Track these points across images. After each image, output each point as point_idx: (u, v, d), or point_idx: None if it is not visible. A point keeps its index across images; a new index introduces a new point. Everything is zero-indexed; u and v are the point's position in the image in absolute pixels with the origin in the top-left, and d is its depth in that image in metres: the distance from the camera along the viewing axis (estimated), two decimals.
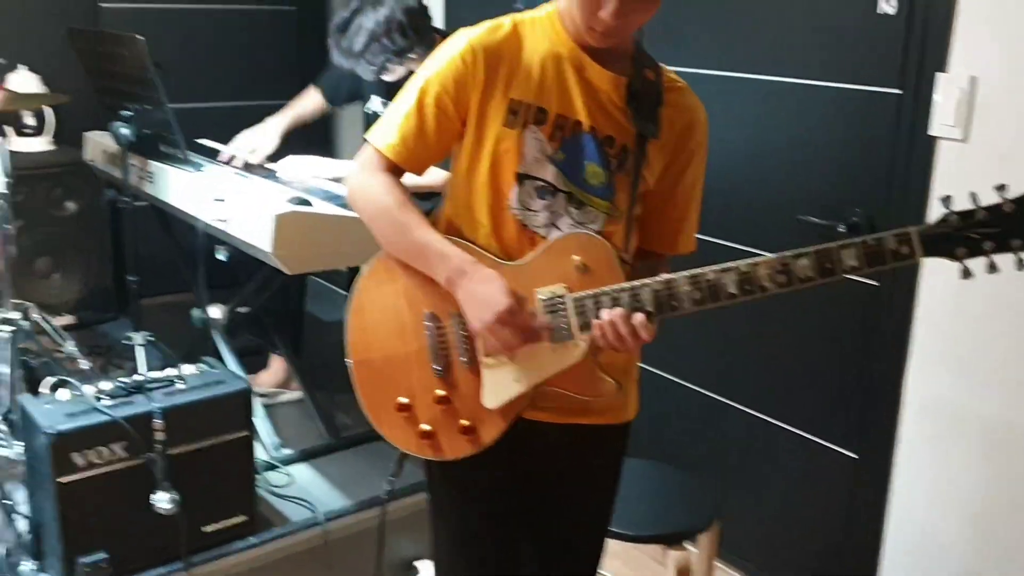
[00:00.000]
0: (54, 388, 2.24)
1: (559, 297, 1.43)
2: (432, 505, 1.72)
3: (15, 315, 2.58)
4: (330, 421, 2.90)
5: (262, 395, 3.04)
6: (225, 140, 3.33)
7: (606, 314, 1.38)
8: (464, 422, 1.51)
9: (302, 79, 4.35)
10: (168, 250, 3.41)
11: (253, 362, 3.17)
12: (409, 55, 2.53)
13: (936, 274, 2.21)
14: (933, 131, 2.16)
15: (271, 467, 2.72)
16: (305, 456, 2.80)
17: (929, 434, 2.29)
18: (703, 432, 2.85)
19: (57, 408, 2.14)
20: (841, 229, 2.34)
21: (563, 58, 1.47)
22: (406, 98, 1.51)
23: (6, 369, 2.48)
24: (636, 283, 1.39)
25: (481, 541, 1.67)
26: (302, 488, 2.65)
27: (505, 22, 1.50)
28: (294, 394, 3.13)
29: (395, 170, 1.54)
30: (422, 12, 2.57)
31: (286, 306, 3.17)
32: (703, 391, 2.82)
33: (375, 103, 2.86)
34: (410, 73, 2.50)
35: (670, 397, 2.90)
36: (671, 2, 2.62)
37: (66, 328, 3.74)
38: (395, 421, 1.55)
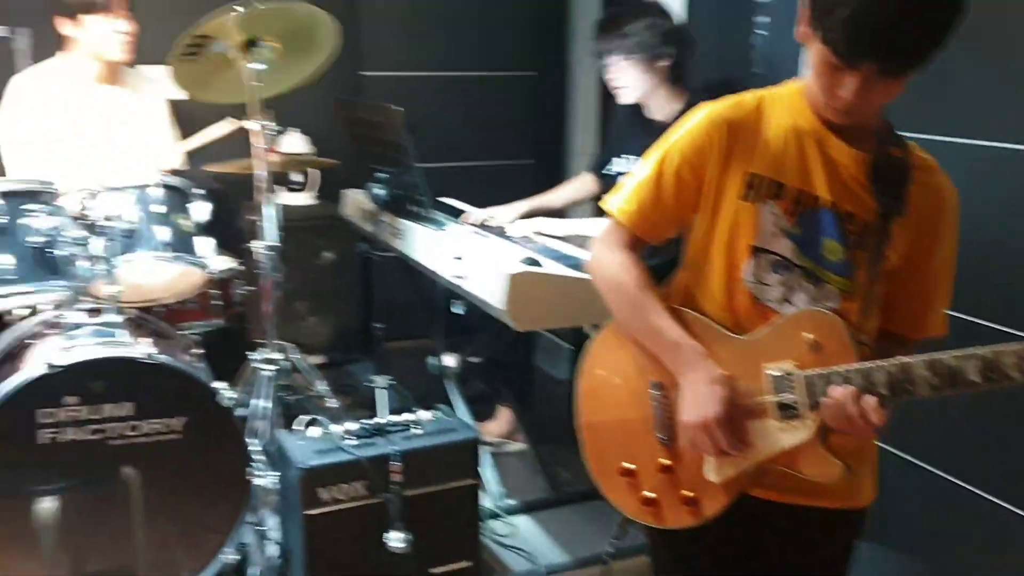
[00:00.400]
0: (306, 425, 2.45)
1: (789, 375, 1.42)
2: (653, 570, 1.73)
3: (277, 355, 2.84)
4: (553, 475, 2.98)
5: (488, 444, 3.17)
6: (468, 197, 3.55)
7: (837, 392, 1.36)
8: (687, 493, 1.52)
9: (537, 142, 4.58)
10: (410, 300, 3.66)
11: (481, 410, 3.32)
12: (662, 58, 2.66)
13: None
14: None
15: (495, 516, 2.82)
16: (527, 508, 2.89)
17: None
18: (931, 514, 2.67)
19: (308, 444, 2.35)
20: None
21: (805, 133, 1.47)
22: (646, 167, 1.57)
23: (267, 404, 2.74)
24: (870, 364, 1.35)
25: None
26: (524, 539, 2.73)
27: (748, 97, 1.53)
28: (518, 445, 3.24)
29: (634, 243, 1.59)
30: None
31: (516, 359, 3.29)
32: (931, 469, 2.65)
33: (618, 164, 2.94)
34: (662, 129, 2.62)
35: (899, 475, 2.74)
36: (938, 70, 2.56)
37: (317, 367, 4.09)
38: (619, 485, 1.59)
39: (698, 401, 1.45)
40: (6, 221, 2.30)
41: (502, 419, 3.31)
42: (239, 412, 2.84)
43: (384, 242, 3.25)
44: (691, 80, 2.82)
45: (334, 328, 4.14)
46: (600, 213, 1.77)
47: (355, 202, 3.65)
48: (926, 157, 1.51)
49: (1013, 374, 1.25)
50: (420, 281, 3.43)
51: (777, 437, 1.43)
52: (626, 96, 2.76)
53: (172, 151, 3.24)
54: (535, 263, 2.57)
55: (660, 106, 2.78)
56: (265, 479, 2.43)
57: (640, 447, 1.57)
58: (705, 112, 1.53)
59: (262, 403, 2.75)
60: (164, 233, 2.49)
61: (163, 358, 2.25)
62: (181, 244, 2.54)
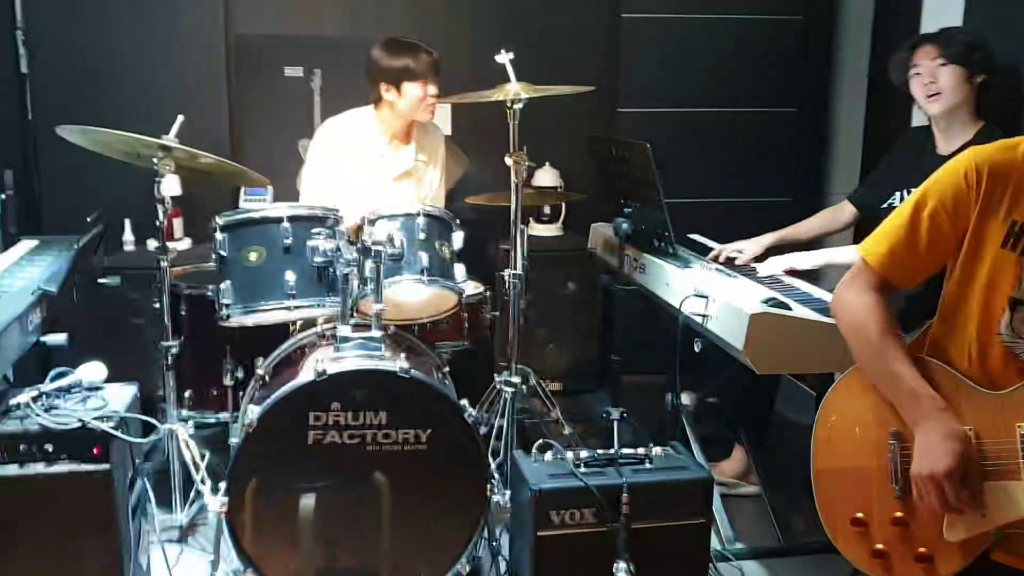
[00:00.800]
0: (541, 449, 2.55)
1: None
2: None
3: (516, 379, 2.98)
4: (785, 524, 2.90)
5: (721, 484, 3.14)
6: (724, 234, 3.55)
7: None
8: (921, 550, 1.48)
9: (795, 180, 4.47)
10: (649, 335, 3.69)
11: (714, 450, 3.29)
12: (979, 74, 2.72)
13: None
14: None
15: (724, 558, 2.79)
16: (756, 554, 2.84)
17: None
18: None
19: (543, 467, 2.45)
20: None
21: None
22: (902, 211, 1.54)
23: (506, 424, 2.88)
24: None
25: None
26: None
27: (1016, 141, 1.47)
28: (752, 488, 3.18)
29: (882, 286, 1.57)
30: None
31: (755, 402, 3.24)
32: None
33: (897, 198, 2.87)
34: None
35: None
36: None
37: (555, 393, 4.23)
38: (850, 535, 1.57)
39: (930, 454, 1.42)
40: (292, 242, 2.59)
41: (736, 460, 3.27)
42: (481, 429, 3.03)
43: (627, 276, 3.31)
44: (986, 114, 2.82)
45: (571, 357, 4.25)
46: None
47: (601, 235, 3.75)
48: None
49: None
50: (660, 316, 3.46)
51: (1021, 501, 1.36)
52: (937, 103, 2.77)
53: (440, 196, 3.51)
54: (780, 305, 2.54)
55: (953, 131, 2.78)
56: (501, 497, 2.55)
57: (875, 498, 1.54)
58: (969, 156, 1.48)
59: (501, 423, 2.89)
60: (425, 258, 2.68)
61: (416, 373, 2.43)
62: (439, 269, 2.74)
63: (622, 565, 2.34)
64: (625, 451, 2.52)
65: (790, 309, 2.53)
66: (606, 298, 4.00)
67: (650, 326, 3.72)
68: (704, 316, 2.69)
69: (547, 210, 4.23)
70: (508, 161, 2.84)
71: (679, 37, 4.27)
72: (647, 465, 2.47)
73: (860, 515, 1.56)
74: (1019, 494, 1.37)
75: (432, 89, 3.26)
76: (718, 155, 4.39)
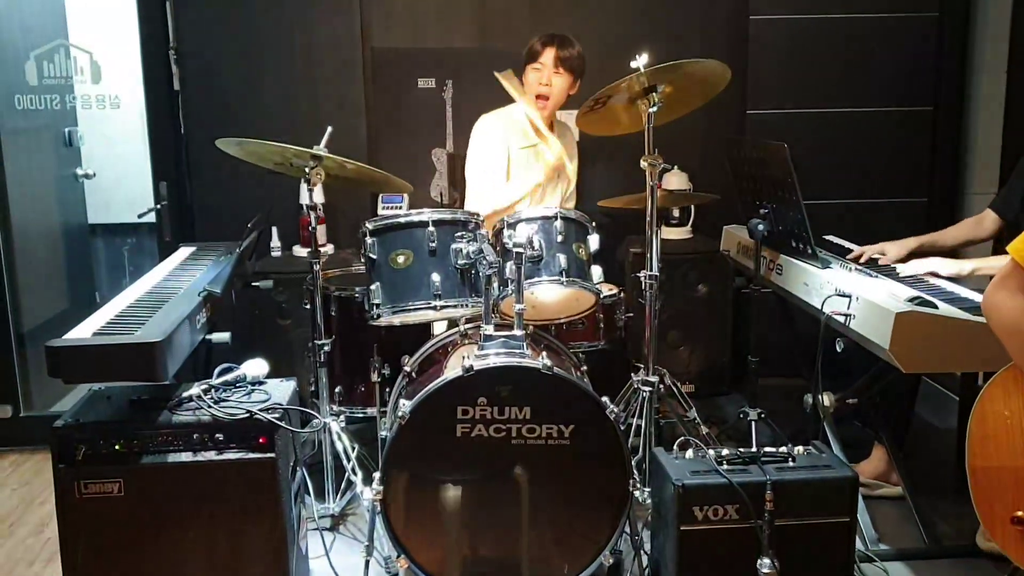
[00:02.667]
0: (682, 447, 2.58)
1: None
2: None
3: (653, 379, 3.01)
4: (929, 526, 2.84)
5: (863, 484, 3.09)
6: (858, 235, 3.50)
7: None
8: None
9: (931, 180, 4.36)
10: (785, 337, 3.66)
11: (854, 453, 3.24)
12: None
13: None
14: None
15: (868, 559, 2.76)
16: (901, 556, 2.79)
17: None
18: None
19: (684, 464, 2.48)
20: None
21: None
22: None
23: (640, 422, 2.92)
24: None
25: None
26: None
27: None
28: (893, 489, 3.13)
29: None
30: None
31: (896, 403, 3.19)
32: None
33: None
34: None
35: None
36: None
37: (689, 395, 4.23)
38: (1009, 533, 1.59)
39: None
40: (436, 245, 2.70)
41: (877, 460, 3.21)
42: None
43: (762, 277, 3.30)
44: None
45: (703, 359, 4.23)
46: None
47: (734, 238, 3.75)
48: None
49: None
50: (797, 318, 3.44)
51: None
52: None
53: (573, 193, 3.60)
54: (927, 303, 2.50)
55: None
56: (642, 492, 2.59)
57: None
58: None
59: (639, 421, 2.93)
60: (563, 260, 2.75)
61: (559, 370, 2.50)
62: (577, 270, 2.80)
63: (766, 561, 2.35)
64: (768, 450, 2.53)
65: (936, 308, 2.49)
66: (740, 300, 3.98)
67: (786, 328, 3.70)
68: (847, 315, 2.67)
69: (676, 213, 4.24)
70: (643, 164, 2.88)
71: (809, 37, 4.22)
72: (790, 463, 2.47)
73: (1021, 514, 1.57)
74: None
75: (547, 77, 3.41)
76: (851, 155, 4.31)
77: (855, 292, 2.67)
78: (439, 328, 3.14)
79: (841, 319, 2.69)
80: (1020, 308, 1.55)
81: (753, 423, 3.13)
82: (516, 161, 3.50)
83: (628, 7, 4.21)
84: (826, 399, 3.07)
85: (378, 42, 4.15)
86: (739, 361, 3.87)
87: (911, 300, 2.51)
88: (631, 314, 3.36)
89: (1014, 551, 1.58)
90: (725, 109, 4.22)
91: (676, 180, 4.18)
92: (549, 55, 3.43)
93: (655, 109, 2.85)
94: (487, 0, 4.15)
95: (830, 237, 3.66)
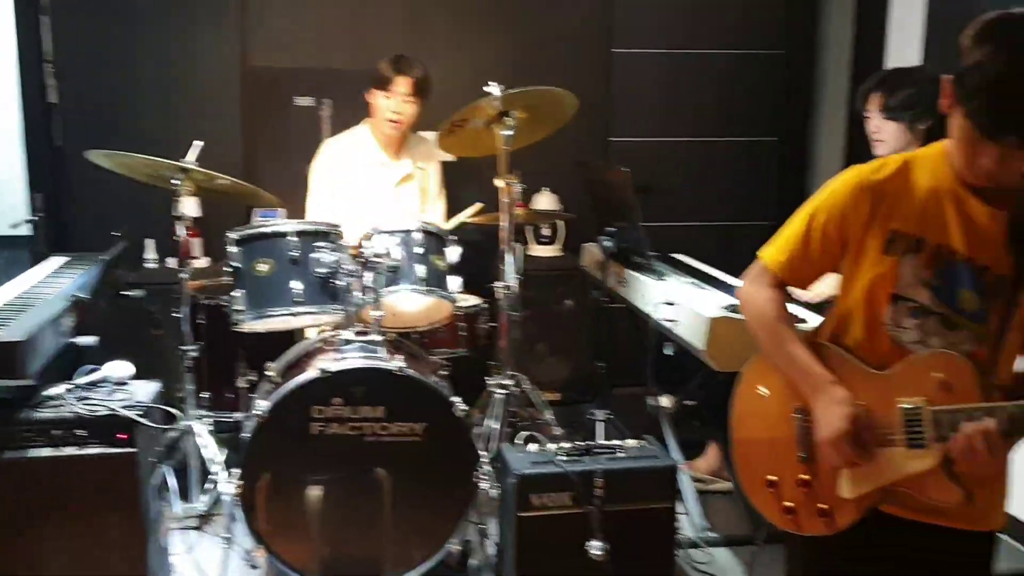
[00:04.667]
0: (526, 441, 2.80)
1: (918, 409, 1.60)
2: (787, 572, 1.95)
3: (509, 382, 3.23)
4: (753, 512, 3.10)
5: (698, 480, 3.37)
6: (702, 254, 3.81)
7: (966, 428, 1.52)
8: (822, 505, 1.73)
9: (779, 204, 4.73)
10: (636, 347, 3.94)
11: (695, 451, 3.53)
12: (922, 121, 2.78)
13: None
14: None
15: (695, 545, 3.02)
16: (727, 542, 3.06)
17: None
18: None
19: (526, 457, 2.69)
20: None
21: (944, 193, 1.63)
22: (797, 221, 1.79)
23: (496, 422, 3.14)
24: (995, 404, 1.52)
25: None
26: (720, 569, 2.91)
27: (891, 161, 1.70)
28: (726, 484, 3.41)
29: (780, 285, 1.83)
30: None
31: (726, 402, 3.46)
32: None
33: None
34: None
35: None
36: None
37: (551, 403, 4.45)
38: (764, 495, 1.83)
39: (828, 420, 1.67)
40: (298, 254, 2.85)
41: (711, 457, 3.49)
42: (475, 430, 3.27)
43: (612, 290, 3.57)
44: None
45: (570, 369, 4.49)
46: None
47: (591, 254, 4.02)
48: None
49: None
50: (643, 327, 3.71)
51: (904, 463, 1.62)
52: (880, 149, 2.93)
53: (437, 211, 3.79)
54: (739, 309, 2.78)
55: None
56: (488, 484, 2.79)
57: (783, 463, 1.79)
58: (852, 175, 1.72)
59: (492, 421, 3.14)
60: (421, 270, 2.95)
61: (411, 372, 2.69)
62: (435, 280, 3.00)
63: (596, 543, 2.57)
64: (601, 443, 2.77)
65: (805, 322, 2.76)
66: (597, 312, 4.25)
67: (637, 338, 3.97)
68: (672, 321, 2.94)
69: (547, 232, 4.49)
70: (498, 182, 3.11)
71: (667, 71, 4.56)
72: (620, 454, 2.71)
73: (771, 478, 1.81)
74: (899, 458, 1.62)
75: (400, 105, 3.54)
76: (706, 181, 4.67)
77: (680, 300, 2.95)
78: (313, 335, 3.30)
79: (669, 325, 2.96)
80: (767, 299, 1.81)
81: (600, 423, 3.39)
82: (365, 178, 3.64)
83: (499, 36, 4.46)
84: (665, 401, 3.33)
85: (257, 61, 4.29)
86: (604, 370, 4.13)
87: (726, 307, 2.79)
88: (494, 323, 3.57)
89: (768, 510, 1.83)
90: (591, 136, 4.51)
91: (545, 200, 4.43)
92: (404, 84, 3.54)
93: (510, 132, 3.09)
94: (364, 21, 4.33)
95: (680, 257, 3.96)
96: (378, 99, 3.60)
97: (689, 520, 3.12)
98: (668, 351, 3.04)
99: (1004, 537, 3.12)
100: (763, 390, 1.86)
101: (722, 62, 4.61)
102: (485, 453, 3.02)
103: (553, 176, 4.43)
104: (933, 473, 1.59)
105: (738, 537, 3.08)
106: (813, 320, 2.68)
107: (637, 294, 3.38)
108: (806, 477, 1.75)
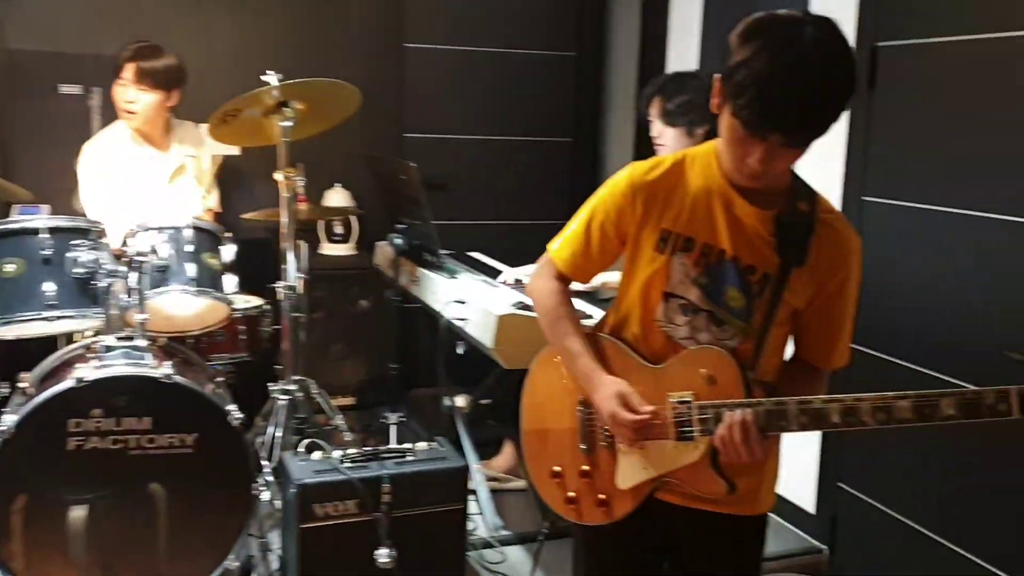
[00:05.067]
0: (309, 449, 2.67)
1: (686, 402, 1.63)
2: (574, 560, 1.96)
3: (292, 387, 3.08)
4: (546, 509, 3.11)
5: (493, 478, 3.35)
6: (498, 253, 3.78)
7: (725, 422, 1.56)
8: (601, 496, 1.75)
9: (572, 204, 4.79)
10: (432, 346, 3.87)
11: (493, 450, 3.51)
12: (700, 126, 2.81)
13: None
14: None
15: (488, 545, 2.98)
16: (521, 539, 3.04)
17: None
18: (909, 569, 2.74)
19: (309, 465, 2.56)
20: None
21: (714, 193, 1.66)
22: (579, 218, 1.80)
23: (279, 430, 2.98)
24: (753, 400, 1.56)
25: None
26: (512, 567, 2.89)
27: (668, 159, 1.72)
28: (521, 482, 3.40)
29: (563, 278, 1.84)
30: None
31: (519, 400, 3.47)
32: (914, 525, 2.73)
33: None
34: None
35: (879, 528, 2.83)
36: (891, 138, 2.74)
37: (349, 408, 4.32)
38: (549, 484, 1.84)
39: (601, 404, 1.69)
40: (51, 253, 2.59)
41: (507, 455, 3.48)
42: (260, 438, 3.11)
43: (405, 289, 3.49)
44: None
45: (367, 372, 4.36)
46: None
47: (384, 252, 3.92)
48: (831, 211, 1.68)
49: (867, 419, 1.47)
50: (436, 326, 3.66)
51: (674, 455, 1.65)
52: (663, 153, 2.97)
53: (208, 201, 3.58)
54: (528, 307, 2.77)
55: None
56: (268, 495, 2.65)
57: (566, 454, 1.80)
58: (627, 174, 1.73)
59: (275, 429, 2.99)
60: (192, 270, 2.76)
61: (179, 379, 2.50)
62: (209, 281, 2.81)
63: (383, 551, 2.48)
64: (390, 447, 2.68)
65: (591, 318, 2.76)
66: (391, 312, 4.16)
67: (432, 338, 3.91)
68: (463, 320, 2.89)
69: (339, 230, 4.35)
70: (277, 176, 2.96)
71: (460, 68, 4.52)
72: (408, 458, 2.63)
73: (556, 468, 1.82)
74: (670, 450, 1.66)
75: (131, 94, 3.32)
76: (500, 179, 4.66)
77: (470, 299, 2.91)
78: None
79: (460, 323, 2.91)
80: (550, 291, 1.82)
81: (394, 426, 3.30)
82: (135, 174, 3.40)
83: (286, 26, 4.27)
84: (461, 400, 3.29)
85: (14, 43, 3.91)
86: (402, 372, 4.04)
87: (514, 304, 2.77)
88: (278, 326, 3.40)
89: (552, 499, 1.85)
90: (385, 131, 4.41)
91: (337, 197, 4.29)
92: (130, 71, 3.30)
93: (289, 124, 2.94)
94: (137, 3, 4.04)
95: (475, 254, 3.92)
96: (116, 88, 3.37)
97: (483, 520, 3.08)
98: (461, 350, 2.99)
99: (774, 517, 3.31)
100: (550, 381, 1.85)
101: (515, 61, 4.63)
102: (267, 463, 2.87)
103: (346, 172, 4.29)
104: (700, 465, 1.62)
105: (531, 534, 3.06)
106: (599, 315, 2.71)
107: (429, 293, 3.31)
108: (587, 468, 1.77)
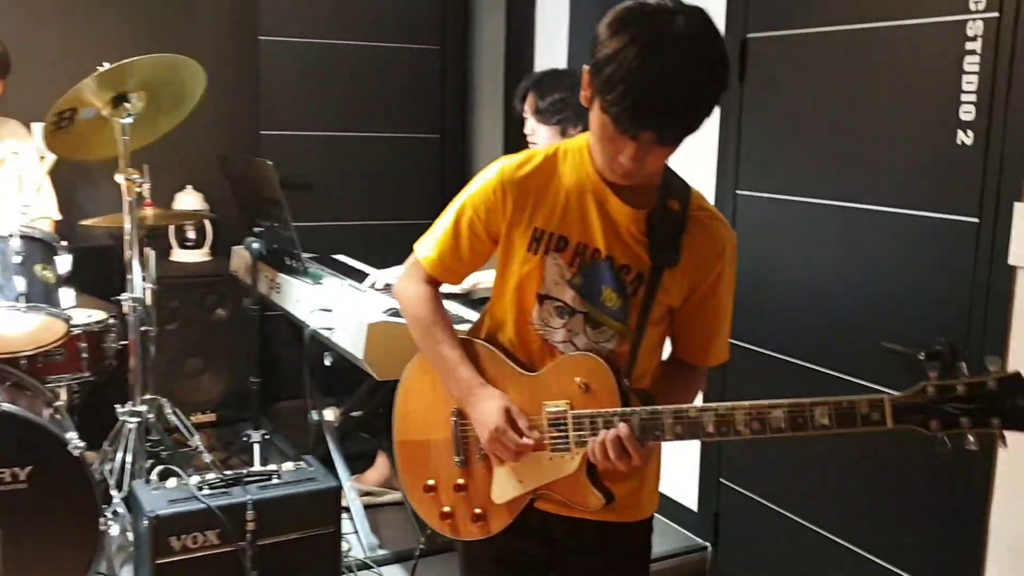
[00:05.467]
0: (163, 476, 2.44)
1: (561, 412, 1.54)
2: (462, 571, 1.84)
3: (143, 408, 2.83)
4: (423, 525, 2.97)
5: (367, 493, 3.17)
6: (364, 255, 3.59)
7: (601, 433, 1.48)
8: (477, 510, 1.64)
9: (441, 203, 4.66)
10: (296, 357, 3.66)
11: (365, 463, 3.33)
12: (574, 125, 2.72)
13: None
14: (1012, 260, 2.10)
15: (365, 566, 2.82)
16: (398, 558, 2.89)
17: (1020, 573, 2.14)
18: (792, 562, 2.74)
19: (162, 494, 2.34)
20: (921, 357, 2.27)
21: (587, 191, 1.57)
22: (447, 217, 1.68)
23: (129, 456, 2.73)
24: (627, 409, 1.48)
25: None
26: None
27: (538, 155, 1.62)
28: (395, 495, 3.24)
29: (433, 281, 1.71)
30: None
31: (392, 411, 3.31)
32: (796, 518, 2.73)
33: None
34: None
35: (761, 523, 2.82)
36: (763, 131, 2.73)
37: (208, 425, 4.05)
38: (423, 499, 1.72)
39: (483, 419, 1.57)
40: None
41: (381, 468, 3.31)
42: (108, 466, 2.84)
43: (265, 297, 3.27)
44: None
45: (226, 386, 4.10)
46: None
47: (242, 258, 3.68)
48: (705, 207, 1.62)
49: (741, 429, 1.41)
50: (301, 336, 3.45)
51: (549, 468, 1.56)
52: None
53: (44, 206, 3.27)
54: (398, 313, 2.62)
55: None
56: (117, 529, 2.40)
57: (441, 466, 1.68)
58: (497, 169, 1.62)
59: (124, 455, 2.73)
60: (22, 284, 2.48)
61: (8, 407, 2.24)
62: (41, 295, 2.54)
63: None
64: (253, 470, 2.49)
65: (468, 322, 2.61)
66: (250, 322, 3.92)
67: (296, 348, 3.69)
68: (330, 329, 2.71)
69: (192, 235, 4.07)
70: (119, 179, 2.70)
71: (319, 61, 4.29)
72: (275, 481, 2.44)
73: (431, 482, 1.70)
74: (546, 461, 1.56)
75: None
76: (365, 178, 4.46)
77: (337, 306, 2.73)
78: None
79: (327, 333, 2.73)
80: (419, 295, 1.70)
81: (256, 444, 3.08)
82: None
83: (129, 18, 3.97)
84: (329, 414, 3.10)
85: None
86: (264, 385, 3.80)
87: (385, 311, 2.61)
88: (126, 341, 3.13)
89: (427, 514, 1.73)
90: (240, 129, 4.16)
91: (189, 200, 4.02)
92: None
93: (129, 120, 2.69)
94: None
95: (340, 257, 3.74)
96: None
97: (358, 539, 2.91)
98: (328, 361, 2.80)
99: (656, 516, 3.27)
100: (423, 390, 1.72)
101: (377, 55, 4.43)
102: (116, 493, 2.62)
103: (197, 173, 4.03)
104: (576, 477, 1.54)
105: (410, 551, 2.90)
106: (473, 317, 2.59)
107: (292, 300, 3.11)
108: (462, 481, 1.66)
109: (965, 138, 2.20)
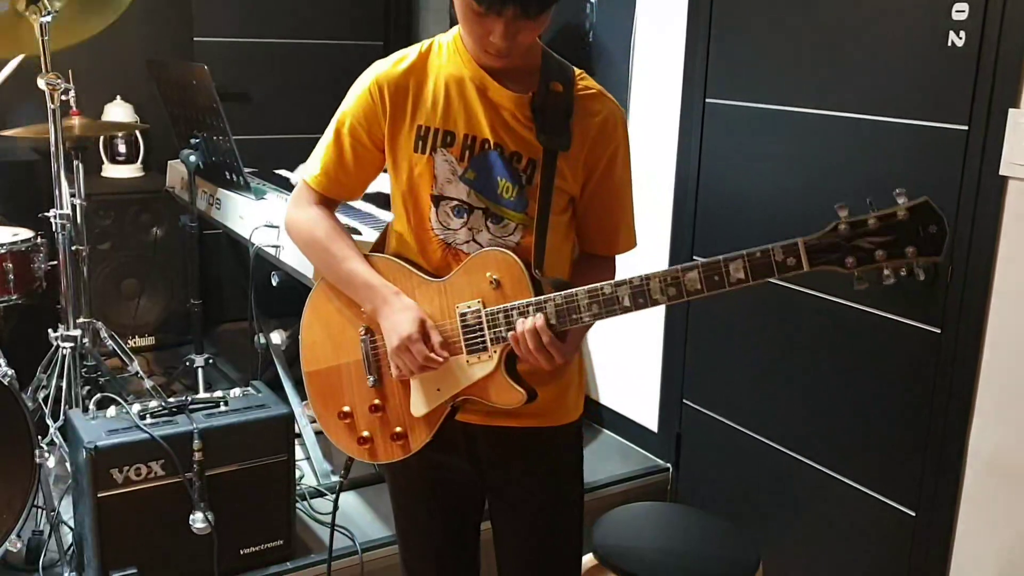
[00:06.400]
0: (101, 405, 2.30)
1: (475, 311, 1.49)
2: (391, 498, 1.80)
3: (77, 332, 2.66)
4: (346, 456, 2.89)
5: (316, 420, 3.06)
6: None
7: (518, 325, 1.43)
8: (397, 429, 1.59)
9: None
10: (239, 276, 3.50)
11: None
12: None
13: (1002, 322, 2.06)
14: (1004, 171, 2.03)
15: (319, 494, 2.72)
16: (353, 485, 2.80)
17: (993, 491, 2.12)
18: (754, 480, 2.72)
19: (101, 424, 2.20)
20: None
21: (466, 80, 1.51)
22: (327, 132, 1.60)
23: (63, 383, 2.57)
24: (542, 298, 1.44)
25: (424, 534, 1.76)
26: (346, 516, 2.65)
27: (411, 52, 1.56)
28: None
29: (325, 201, 1.63)
30: None
31: None
32: (757, 436, 2.70)
33: None
34: None
35: (722, 442, 2.79)
36: (734, 33, 2.59)
37: (147, 349, 3.88)
38: (339, 427, 1.65)
39: (395, 328, 1.51)
40: None
41: None
42: (40, 394, 2.68)
43: (204, 214, 3.09)
44: None
45: (165, 308, 3.93)
46: None
47: (177, 173, 3.47)
48: (590, 86, 1.57)
49: (658, 297, 1.38)
50: (244, 254, 3.29)
51: (467, 371, 1.51)
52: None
53: None
54: (353, 230, 2.48)
55: None
56: (53, 461, 2.27)
57: (354, 391, 1.62)
58: (370, 74, 1.56)
59: (60, 382, 2.57)
60: None
61: None
62: None
63: (198, 516, 2.18)
64: (198, 396, 2.36)
65: (360, 234, 2.48)
66: (189, 241, 3.74)
67: (239, 267, 3.53)
68: (277, 247, 2.56)
69: (123, 148, 3.83)
70: (40, 83, 2.48)
71: None
72: (222, 408, 2.32)
73: (344, 408, 1.63)
74: (463, 365, 1.51)
75: None
76: (307, 89, 4.23)
77: (282, 223, 2.56)
78: None
79: (273, 251, 2.57)
80: (311, 218, 1.62)
81: (200, 369, 2.95)
82: None
83: None
84: (277, 337, 2.97)
85: None
86: (206, 307, 3.63)
87: None
88: (55, 262, 2.93)
89: (344, 443, 1.67)
90: (173, 35, 3.90)
91: (119, 111, 3.77)
92: None
93: (47, 19, 2.46)
94: None
95: (282, 172, 3.55)
96: None
97: (310, 466, 2.81)
98: (275, 280, 2.65)
99: (617, 438, 3.24)
100: (327, 315, 1.64)
101: None
102: (52, 423, 2.47)
103: (128, 82, 3.78)
104: (496, 375, 1.49)
105: (367, 477, 2.82)
106: (368, 232, 2.47)
107: (234, 216, 2.93)
108: (378, 402, 1.60)
109: (956, 39, 2.10)
